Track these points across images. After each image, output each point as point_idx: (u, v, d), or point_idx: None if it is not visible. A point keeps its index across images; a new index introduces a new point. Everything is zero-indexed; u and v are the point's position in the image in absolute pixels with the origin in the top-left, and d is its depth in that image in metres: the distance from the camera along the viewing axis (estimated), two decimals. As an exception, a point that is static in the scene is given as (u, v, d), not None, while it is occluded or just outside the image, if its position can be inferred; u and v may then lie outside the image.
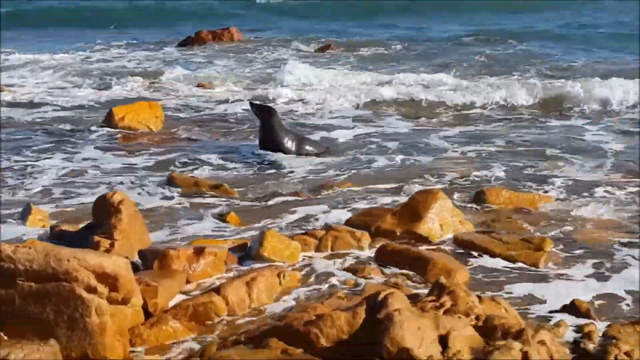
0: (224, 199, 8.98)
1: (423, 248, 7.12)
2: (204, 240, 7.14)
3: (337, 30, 26.81)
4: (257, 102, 11.95)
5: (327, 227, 7.21)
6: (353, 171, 10.26)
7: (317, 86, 16.68)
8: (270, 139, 11.14)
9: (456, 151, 11.32)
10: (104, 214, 7.19)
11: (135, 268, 6.48)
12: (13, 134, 12.43)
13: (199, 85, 16.81)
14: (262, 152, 11.15)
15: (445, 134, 12.51)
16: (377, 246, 7.07)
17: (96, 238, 6.86)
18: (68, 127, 13.01)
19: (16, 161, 10.73)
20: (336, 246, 7.05)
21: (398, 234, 7.44)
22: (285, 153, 11.00)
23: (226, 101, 15.26)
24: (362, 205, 8.59)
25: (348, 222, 7.70)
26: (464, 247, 7.16)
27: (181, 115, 14.13)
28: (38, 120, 13.63)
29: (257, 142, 11.42)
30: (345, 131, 12.72)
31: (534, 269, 6.74)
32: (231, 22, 27.10)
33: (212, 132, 12.77)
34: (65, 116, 13.95)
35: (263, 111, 11.32)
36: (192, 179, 9.51)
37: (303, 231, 7.49)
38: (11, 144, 11.70)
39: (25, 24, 29.93)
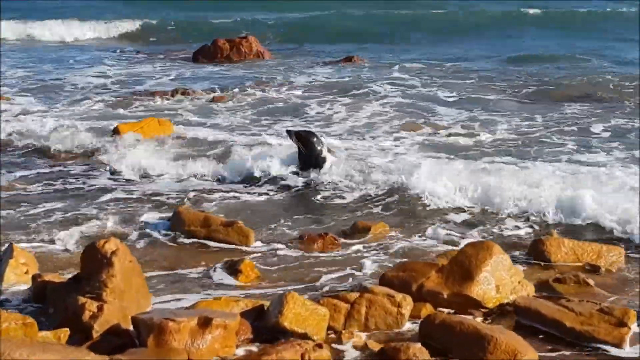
0: (236, 242, 7.79)
1: (478, 319, 5.89)
2: (211, 302, 5.89)
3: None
4: (296, 130, 10.64)
5: (361, 289, 5.96)
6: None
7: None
8: (310, 164, 10.20)
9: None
10: (93, 267, 6.00)
11: (129, 341, 5.32)
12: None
13: (214, 99, 15.55)
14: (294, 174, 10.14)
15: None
16: (421, 314, 5.88)
17: (81, 299, 5.64)
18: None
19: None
20: (371, 313, 5.81)
21: (445, 296, 6.20)
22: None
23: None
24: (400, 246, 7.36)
25: (383, 279, 6.48)
26: (528, 317, 5.90)
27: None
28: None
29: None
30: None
31: (615, 350, 5.48)
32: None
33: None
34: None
35: (303, 139, 10.23)
36: (201, 215, 8.27)
37: (331, 293, 6.24)
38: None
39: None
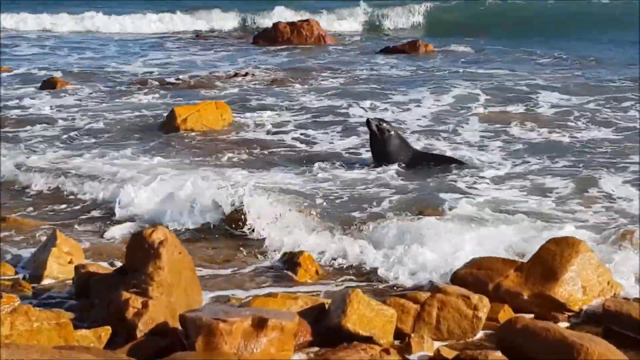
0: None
1: (563, 324, 5.28)
2: (267, 300, 5.36)
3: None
4: (377, 121, 10.05)
5: (433, 288, 5.36)
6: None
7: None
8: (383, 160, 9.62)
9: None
10: (139, 258, 5.52)
11: (176, 342, 4.83)
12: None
13: (272, 82, 15.02)
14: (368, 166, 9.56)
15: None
16: (499, 317, 5.28)
17: (125, 295, 5.17)
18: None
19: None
20: (443, 316, 5.21)
21: (525, 297, 5.58)
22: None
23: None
24: (471, 246, 6.73)
25: (455, 278, 5.88)
26: (619, 323, 5.24)
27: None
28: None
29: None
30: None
31: None
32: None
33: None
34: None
35: (382, 133, 9.63)
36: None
37: (399, 291, 5.67)
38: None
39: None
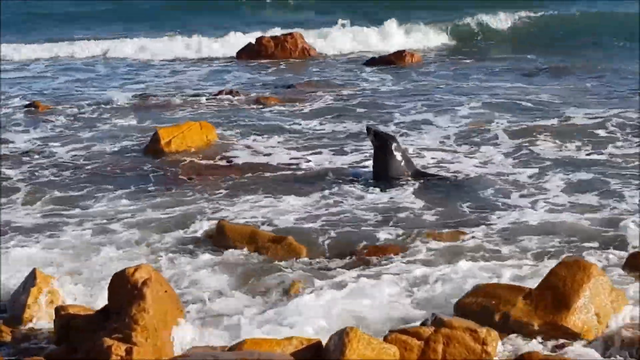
0: (288, 260, 6.89)
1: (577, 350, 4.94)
2: (259, 341, 4.97)
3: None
4: (377, 129, 9.84)
5: (437, 322, 5.00)
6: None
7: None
8: (384, 174, 9.29)
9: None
10: (122, 298, 5.16)
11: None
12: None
13: (257, 100, 14.57)
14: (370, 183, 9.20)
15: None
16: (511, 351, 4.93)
17: (107, 341, 4.80)
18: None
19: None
20: (450, 352, 4.86)
21: (536, 327, 5.22)
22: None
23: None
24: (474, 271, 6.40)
25: (459, 308, 5.53)
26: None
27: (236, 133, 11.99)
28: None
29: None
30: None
31: None
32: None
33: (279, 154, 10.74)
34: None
35: (381, 140, 9.36)
36: (247, 229, 7.40)
37: (399, 326, 5.30)
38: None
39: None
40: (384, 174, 9.25)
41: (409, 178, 9.17)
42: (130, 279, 5.15)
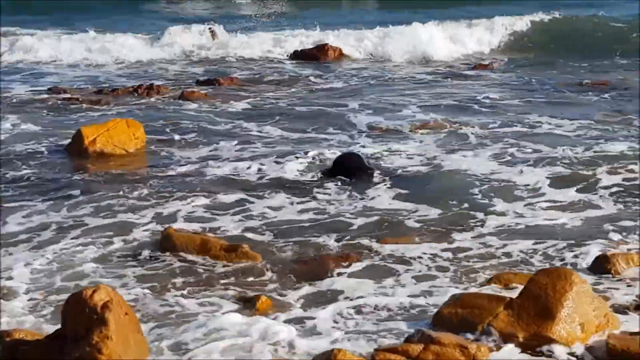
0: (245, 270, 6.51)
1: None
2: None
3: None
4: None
5: (425, 338, 4.74)
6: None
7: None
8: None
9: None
10: (80, 323, 4.71)
11: None
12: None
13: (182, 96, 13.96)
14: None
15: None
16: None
17: (68, 375, 4.35)
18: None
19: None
20: (440, 370, 4.61)
21: (521, 339, 5.02)
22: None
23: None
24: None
25: (438, 319, 5.29)
26: (629, 365, 4.76)
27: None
28: None
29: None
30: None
31: None
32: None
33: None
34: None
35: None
36: (197, 238, 6.98)
37: (385, 341, 5.02)
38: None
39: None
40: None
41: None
42: (89, 302, 4.70)
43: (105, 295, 4.77)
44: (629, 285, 6.03)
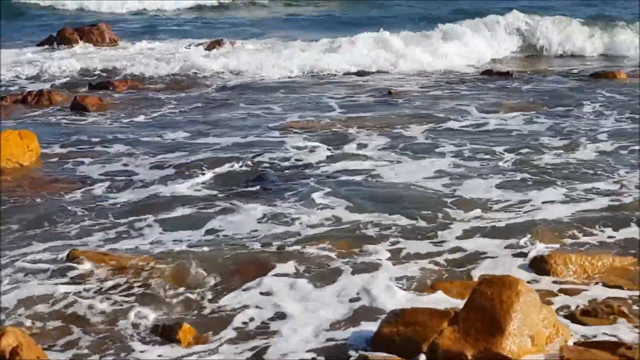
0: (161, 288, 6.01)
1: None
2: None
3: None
4: None
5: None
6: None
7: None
8: None
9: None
10: (-15, 373, 4.16)
11: None
12: None
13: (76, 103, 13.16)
14: None
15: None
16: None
17: None
18: None
19: None
20: (388, 399, 4.27)
21: (470, 357, 4.73)
22: None
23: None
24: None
25: (378, 340, 4.94)
26: (586, 378, 4.53)
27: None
28: None
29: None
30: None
31: None
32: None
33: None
34: None
35: None
36: (105, 258, 6.44)
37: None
38: None
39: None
40: None
41: None
42: (-5, 349, 4.17)
43: (14, 339, 4.24)
44: (570, 288, 5.83)
